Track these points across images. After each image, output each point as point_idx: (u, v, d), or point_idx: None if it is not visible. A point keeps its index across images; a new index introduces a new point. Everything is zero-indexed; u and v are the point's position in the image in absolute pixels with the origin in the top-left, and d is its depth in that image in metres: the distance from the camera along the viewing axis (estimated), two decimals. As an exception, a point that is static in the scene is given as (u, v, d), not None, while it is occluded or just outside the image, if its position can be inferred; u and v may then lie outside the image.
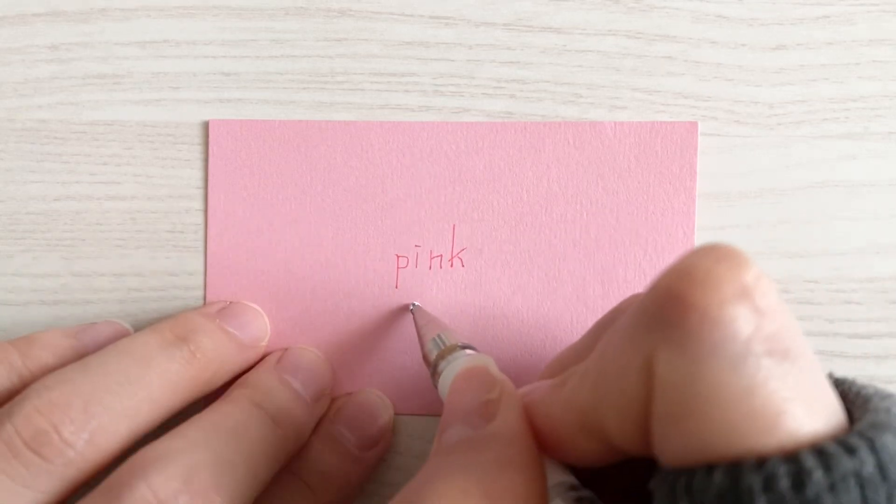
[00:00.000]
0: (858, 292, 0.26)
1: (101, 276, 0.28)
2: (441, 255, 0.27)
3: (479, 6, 0.27)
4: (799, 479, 0.13)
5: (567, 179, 0.27)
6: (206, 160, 0.28)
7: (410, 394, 0.27)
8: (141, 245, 0.28)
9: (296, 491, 0.24)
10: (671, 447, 0.15)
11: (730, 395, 0.14)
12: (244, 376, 0.26)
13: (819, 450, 0.13)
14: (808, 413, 0.14)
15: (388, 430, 0.27)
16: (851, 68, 0.26)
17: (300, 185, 0.27)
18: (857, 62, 0.26)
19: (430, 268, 0.27)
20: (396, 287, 0.27)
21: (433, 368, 0.23)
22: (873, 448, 0.13)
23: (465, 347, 0.22)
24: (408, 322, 0.27)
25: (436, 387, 0.22)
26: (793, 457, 0.13)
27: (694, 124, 0.26)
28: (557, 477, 0.18)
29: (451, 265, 0.27)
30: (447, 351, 0.22)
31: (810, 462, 0.13)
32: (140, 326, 0.27)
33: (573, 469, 0.18)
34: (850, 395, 0.16)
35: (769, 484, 0.13)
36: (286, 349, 0.27)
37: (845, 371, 0.26)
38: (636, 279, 0.26)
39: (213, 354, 0.24)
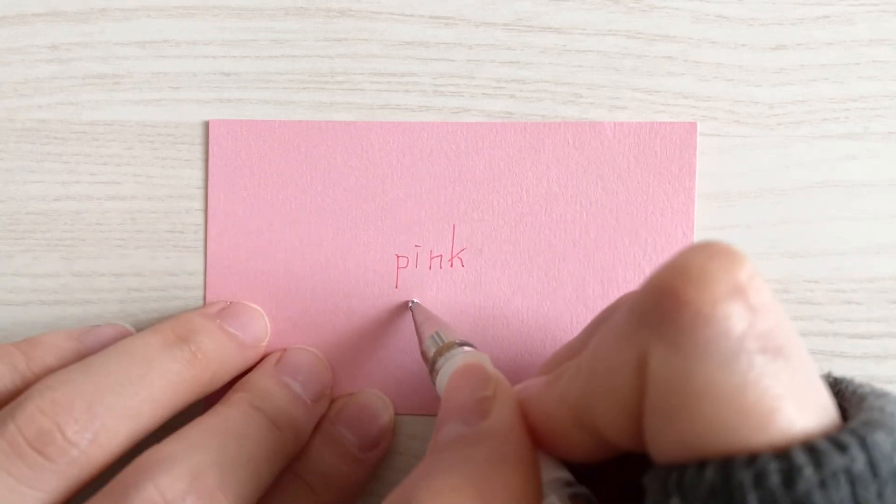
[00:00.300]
0: (858, 292, 0.26)
1: (101, 276, 0.28)
2: (441, 255, 0.27)
3: (479, 6, 0.27)
4: (789, 475, 0.13)
5: (567, 180, 0.27)
6: (206, 160, 0.28)
7: (410, 394, 0.27)
8: (141, 245, 0.28)
9: (298, 491, 0.24)
10: (664, 443, 0.15)
11: (722, 391, 0.14)
12: (243, 379, 0.26)
13: (810, 447, 0.13)
14: (800, 410, 0.14)
15: (389, 431, 0.27)
16: (851, 68, 0.26)
17: (300, 185, 0.27)
18: (857, 62, 0.26)
19: (430, 268, 0.27)
20: (396, 287, 0.27)
21: (431, 365, 0.23)
22: (864, 445, 0.13)
23: (462, 344, 0.22)
24: (408, 322, 0.27)
25: (434, 384, 0.22)
26: (784, 453, 0.13)
27: (693, 125, 0.26)
28: (553, 473, 0.18)
29: (451, 265, 0.27)
30: (445, 348, 0.22)
31: (801, 459, 0.13)
32: (140, 326, 0.27)
33: (569, 465, 0.18)
34: (847, 394, 0.16)
35: (760, 480, 0.13)
36: (285, 350, 0.27)
37: (845, 371, 0.26)
38: (635, 279, 0.26)
39: (214, 355, 0.24)
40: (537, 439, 0.18)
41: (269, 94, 0.28)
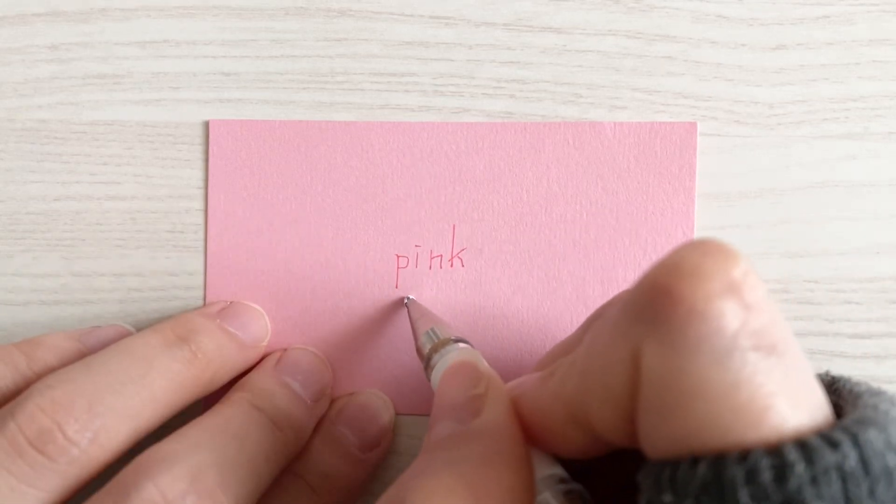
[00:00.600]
0: (858, 292, 0.26)
1: (101, 276, 0.28)
2: (441, 255, 0.27)
3: (479, 6, 0.27)
4: (781, 471, 0.13)
5: (567, 179, 0.27)
6: (206, 160, 0.28)
7: (410, 393, 0.27)
8: (141, 245, 0.28)
9: (298, 492, 0.24)
10: (657, 439, 0.15)
11: (715, 388, 0.14)
12: (243, 379, 0.26)
13: (802, 443, 0.13)
14: (793, 408, 0.14)
15: (389, 431, 0.27)
16: (851, 68, 0.26)
17: (300, 185, 0.27)
18: (857, 62, 0.26)
19: (430, 268, 0.27)
20: (396, 287, 0.27)
21: (426, 362, 0.23)
22: (856, 442, 0.13)
23: (458, 341, 0.22)
24: (408, 321, 0.27)
25: (429, 380, 0.22)
26: (776, 450, 0.13)
27: (693, 124, 0.26)
28: (547, 469, 0.18)
29: (451, 265, 0.27)
30: (440, 344, 0.22)
31: (793, 455, 0.13)
32: (140, 326, 0.27)
33: (563, 462, 0.18)
34: (843, 393, 0.16)
35: (752, 476, 0.13)
36: (285, 350, 0.27)
37: (845, 371, 0.26)
38: (635, 279, 0.26)
39: (214, 354, 0.24)
40: (531, 436, 0.18)
41: (269, 94, 0.28)
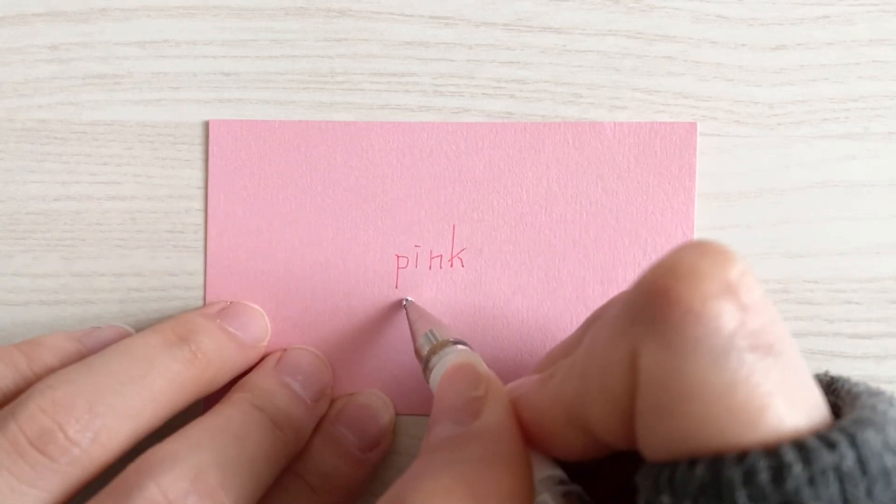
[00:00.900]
0: (858, 292, 0.26)
1: (101, 276, 0.28)
2: (441, 255, 0.27)
3: (479, 6, 0.27)
4: (779, 472, 0.13)
5: (567, 179, 0.27)
6: (206, 160, 0.28)
7: (410, 394, 0.27)
8: (141, 245, 0.28)
9: (298, 492, 0.24)
10: (655, 441, 0.15)
11: (712, 389, 0.14)
12: (243, 379, 0.26)
13: (799, 444, 0.13)
14: (790, 408, 0.14)
15: (389, 431, 0.27)
16: (851, 68, 0.26)
17: (300, 185, 0.27)
18: (857, 62, 0.26)
19: (430, 268, 0.27)
20: (396, 287, 0.27)
21: (425, 364, 0.23)
22: (854, 443, 0.13)
23: (456, 343, 0.22)
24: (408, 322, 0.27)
25: (428, 382, 0.22)
26: (773, 451, 0.13)
27: (693, 125, 0.26)
28: (546, 471, 0.18)
29: (451, 265, 0.27)
30: (439, 346, 0.22)
31: (790, 456, 0.13)
32: (140, 326, 0.27)
33: (562, 463, 0.18)
34: (842, 393, 0.16)
35: (749, 477, 0.13)
36: (285, 350, 0.27)
37: (845, 371, 0.26)
38: (634, 280, 0.26)
39: (215, 355, 0.24)
40: (530, 438, 0.18)
41: (269, 94, 0.28)
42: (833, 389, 0.17)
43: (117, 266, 0.28)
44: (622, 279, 0.26)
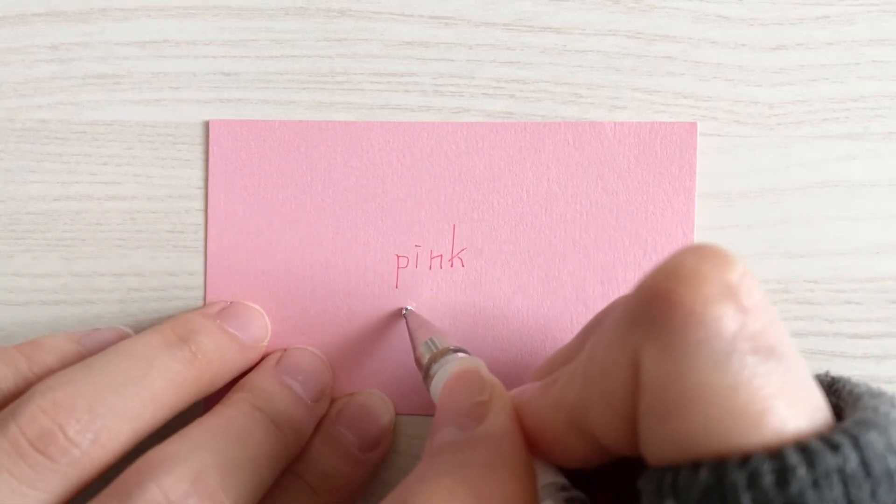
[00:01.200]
0: (858, 292, 0.26)
1: (101, 276, 0.28)
2: (441, 255, 0.27)
3: (479, 6, 0.27)
4: (783, 475, 0.13)
5: (567, 179, 0.27)
6: (206, 160, 0.28)
7: (411, 394, 0.27)
8: (141, 245, 0.28)
9: (298, 492, 0.24)
10: (657, 445, 0.15)
11: (715, 392, 0.14)
12: (244, 379, 0.26)
13: (803, 447, 0.13)
14: (793, 410, 0.14)
15: (390, 431, 0.27)
16: (851, 68, 0.26)
17: (300, 185, 0.27)
18: (857, 62, 0.26)
19: (430, 268, 0.27)
20: (396, 287, 0.27)
21: (425, 372, 0.23)
22: (857, 445, 0.13)
23: (456, 351, 0.22)
24: (408, 322, 0.27)
25: (428, 390, 0.22)
26: (777, 454, 0.13)
27: (693, 125, 0.26)
28: (548, 477, 0.18)
29: (451, 265, 0.27)
30: (439, 354, 0.22)
31: (794, 459, 0.13)
32: (140, 327, 0.27)
33: (564, 470, 0.18)
34: (843, 394, 0.16)
35: (753, 481, 0.13)
36: (285, 350, 0.27)
37: (845, 371, 0.26)
38: (635, 279, 0.26)
39: (215, 355, 0.24)
40: (532, 444, 0.18)
41: (269, 94, 0.28)
42: (834, 390, 0.17)
43: (117, 266, 0.28)
44: (622, 279, 0.26)
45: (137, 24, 0.28)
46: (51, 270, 0.28)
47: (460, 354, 0.22)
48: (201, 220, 0.28)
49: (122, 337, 0.26)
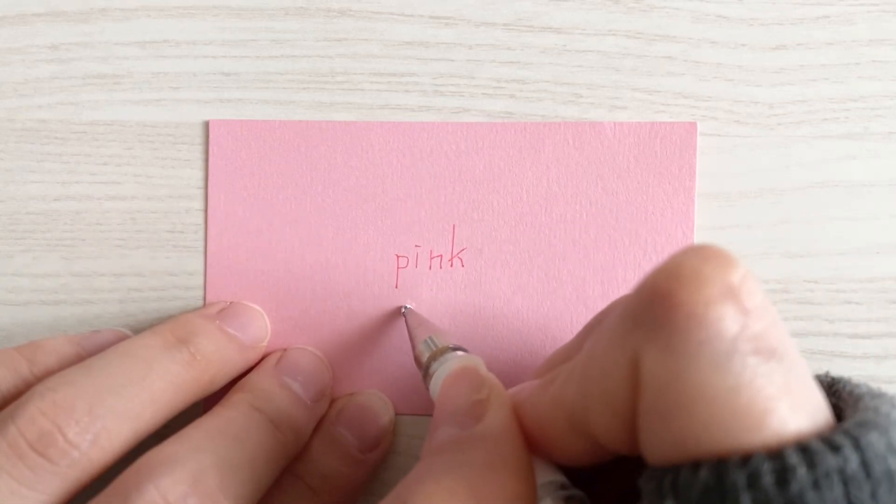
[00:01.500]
0: (858, 292, 0.26)
1: (101, 276, 0.28)
2: (441, 255, 0.27)
3: (479, 6, 0.27)
4: (783, 475, 0.13)
5: (567, 179, 0.27)
6: (206, 160, 0.28)
7: (410, 394, 0.27)
8: (141, 245, 0.28)
9: (298, 493, 0.24)
10: (657, 445, 0.15)
11: (715, 393, 0.14)
12: (243, 380, 0.26)
13: (803, 447, 0.13)
14: (794, 411, 0.14)
15: (389, 431, 0.27)
16: (851, 68, 0.26)
17: (300, 185, 0.27)
18: (857, 62, 0.26)
19: (430, 268, 0.27)
20: (396, 287, 0.27)
21: (425, 370, 0.23)
22: (858, 446, 0.13)
23: (456, 349, 0.22)
24: (408, 322, 0.27)
25: (428, 388, 0.22)
26: (777, 454, 0.13)
27: (693, 125, 0.26)
28: (547, 476, 0.18)
29: (451, 265, 0.27)
30: (438, 353, 0.22)
31: (794, 459, 0.13)
32: (140, 327, 0.27)
33: (564, 469, 0.18)
34: (843, 394, 0.16)
35: (753, 481, 0.13)
36: (285, 350, 0.27)
37: (845, 371, 0.26)
38: (635, 279, 0.26)
39: (214, 356, 0.24)
40: (532, 443, 0.18)
41: (269, 94, 0.28)
42: (834, 391, 0.17)
43: (117, 266, 0.28)
44: (622, 279, 0.26)
45: (137, 24, 0.28)
46: (51, 270, 0.28)
47: (460, 353, 0.22)
48: (201, 220, 0.28)
49: (122, 338, 0.26)
